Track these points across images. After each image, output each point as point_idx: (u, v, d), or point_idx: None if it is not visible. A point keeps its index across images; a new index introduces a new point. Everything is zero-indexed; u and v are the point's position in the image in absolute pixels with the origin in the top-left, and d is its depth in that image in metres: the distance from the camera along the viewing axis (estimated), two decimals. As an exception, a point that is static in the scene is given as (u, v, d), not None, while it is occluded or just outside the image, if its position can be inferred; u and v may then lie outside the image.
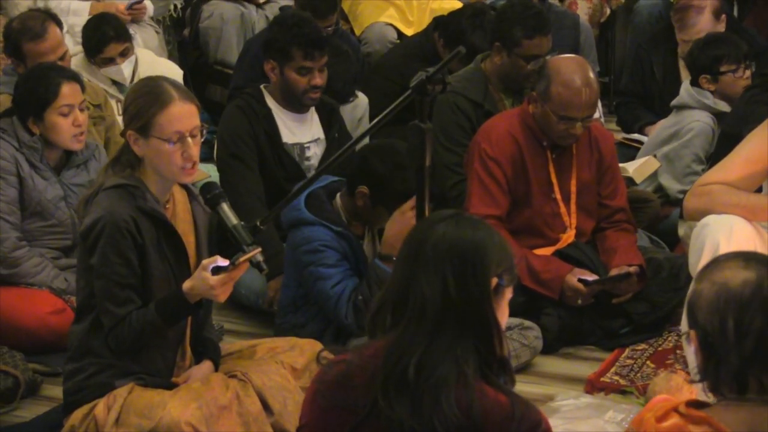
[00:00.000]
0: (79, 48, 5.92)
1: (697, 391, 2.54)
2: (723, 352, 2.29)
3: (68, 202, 4.73)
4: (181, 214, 3.69)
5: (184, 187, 3.74)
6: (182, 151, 3.52)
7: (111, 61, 5.78)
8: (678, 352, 4.58)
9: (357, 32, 7.26)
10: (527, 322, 4.57)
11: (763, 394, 2.29)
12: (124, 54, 5.80)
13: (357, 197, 4.43)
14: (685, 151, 5.64)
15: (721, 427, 2.26)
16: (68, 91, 4.67)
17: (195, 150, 3.56)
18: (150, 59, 6.10)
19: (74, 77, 4.78)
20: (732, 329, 2.29)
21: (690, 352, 2.39)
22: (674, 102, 5.81)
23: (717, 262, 2.40)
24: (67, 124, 4.66)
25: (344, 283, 4.39)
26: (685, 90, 5.77)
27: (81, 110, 4.71)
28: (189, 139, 3.53)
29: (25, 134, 4.66)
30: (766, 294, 2.29)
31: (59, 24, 5.36)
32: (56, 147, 4.72)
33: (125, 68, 5.78)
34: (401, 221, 4.31)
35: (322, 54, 5.06)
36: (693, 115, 5.69)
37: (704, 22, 6.17)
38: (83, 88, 4.81)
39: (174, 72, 6.06)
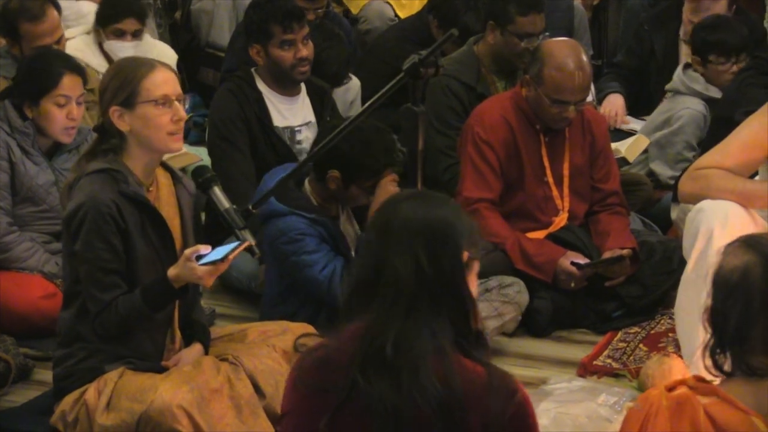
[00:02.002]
0: (73, 32, 5.89)
1: (689, 375, 2.57)
2: (729, 331, 2.36)
3: (59, 187, 4.70)
4: (166, 197, 3.68)
5: (168, 170, 3.73)
6: (171, 114, 3.52)
7: (122, 35, 5.76)
8: (671, 335, 4.58)
9: (354, 11, 7.24)
10: (508, 279, 4.55)
11: (750, 375, 2.36)
12: (136, 35, 5.79)
13: (329, 181, 4.37)
14: (676, 139, 5.65)
15: (729, 397, 2.32)
16: (69, 83, 4.64)
17: (182, 112, 3.56)
18: (149, 42, 6.06)
19: (77, 69, 4.75)
20: (722, 310, 2.37)
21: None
22: (668, 86, 5.81)
23: (750, 239, 2.45)
24: (62, 115, 4.63)
25: (331, 265, 4.37)
26: (678, 75, 5.77)
27: (78, 104, 4.68)
28: (176, 103, 3.54)
29: (17, 119, 4.65)
30: (753, 278, 2.36)
31: (58, 7, 5.35)
32: (47, 138, 4.70)
33: (131, 49, 5.71)
34: (384, 192, 4.33)
35: (302, 25, 5.04)
36: (684, 102, 5.69)
37: (718, 8, 6.15)
38: (85, 82, 4.78)
39: (168, 56, 6.04)
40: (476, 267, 2.54)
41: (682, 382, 2.38)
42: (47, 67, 4.65)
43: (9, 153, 4.62)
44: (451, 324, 2.44)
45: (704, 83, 5.69)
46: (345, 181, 4.37)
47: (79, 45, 5.79)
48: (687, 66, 5.76)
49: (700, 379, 2.39)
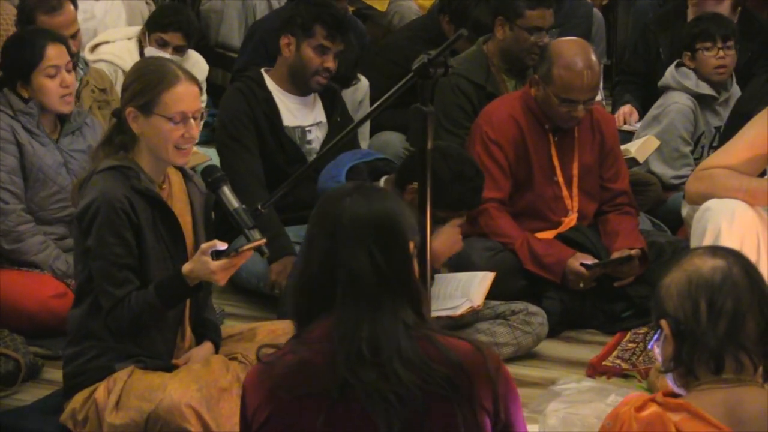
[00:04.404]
0: (113, 35, 5.93)
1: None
2: (698, 333, 2.36)
3: (69, 168, 4.73)
4: (177, 195, 3.69)
5: (179, 168, 3.74)
6: (184, 131, 3.54)
7: (164, 45, 5.79)
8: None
9: (381, 8, 7.27)
10: (533, 307, 4.54)
11: (740, 373, 2.36)
12: (179, 50, 5.82)
13: (407, 192, 4.18)
14: (668, 136, 5.65)
15: (699, 412, 2.30)
16: (54, 53, 4.67)
17: (195, 132, 3.58)
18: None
19: (59, 39, 4.79)
20: (705, 312, 2.36)
21: (657, 345, 2.43)
22: (660, 83, 5.83)
23: (684, 254, 2.49)
24: (54, 85, 4.66)
25: None
26: (669, 71, 5.79)
27: (68, 71, 4.71)
28: (191, 121, 3.54)
29: (19, 102, 4.67)
30: (735, 279, 2.37)
31: (74, 2, 5.41)
32: (48, 112, 4.72)
33: None
34: (450, 234, 4.25)
35: (342, 39, 5.06)
36: (673, 97, 5.71)
37: (721, 10, 6.12)
38: (69, 50, 4.80)
39: (201, 66, 6.10)
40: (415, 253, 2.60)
41: (650, 400, 2.36)
42: (29, 43, 4.69)
43: (15, 136, 4.63)
44: (413, 312, 2.49)
45: (695, 79, 5.70)
46: None
47: (118, 51, 5.82)
48: (680, 64, 5.78)
49: (668, 394, 2.38)
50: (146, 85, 3.54)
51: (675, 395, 2.39)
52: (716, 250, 2.45)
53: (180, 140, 3.54)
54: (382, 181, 4.44)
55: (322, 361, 2.44)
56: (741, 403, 2.33)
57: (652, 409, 2.34)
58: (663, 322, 2.40)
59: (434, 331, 2.50)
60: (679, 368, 2.40)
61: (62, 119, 4.78)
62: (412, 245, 2.52)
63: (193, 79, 3.61)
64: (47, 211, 4.72)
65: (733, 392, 2.34)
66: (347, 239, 2.47)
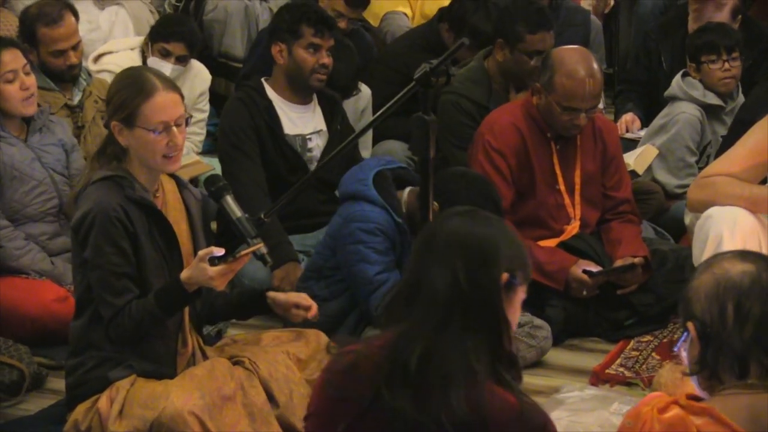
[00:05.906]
0: (116, 46, 5.96)
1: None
2: (724, 337, 2.35)
3: (43, 162, 4.75)
4: (172, 203, 3.71)
5: (172, 176, 3.76)
6: (168, 140, 3.56)
7: (167, 55, 5.80)
8: (683, 343, 4.57)
9: (374, 23, 7.29)
10: (537, 321, 4.54)
11: (765, 379, 2.35)
12: (181, 60, 5.84)
13: None
14: (675, 145, 5.65)
15: (722, 417, 2.30)
16: (8, 58, 4.70)
17: (180, 139, 3.59)
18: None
19: (12, 43, 4.83)
20: (731, 315, 2.35)
21: (683, 348, 2.43)
22: (666, 93, 5.82)
23: (715, 257, 2.47)
24: (15, 89, 4.70)
25: (388, 275, 4.35)
26: (675, 81, 5.78)
27: (26, 74, 4.74)
28: (174, 129, 3.56)
29: None
30: (764, 284, 2.36)
31: (75, 14, 5.42)
32: (13, 117, 4.74)
33: (169, 71, 5.66)
34: None
35: (331, 34, 5.10)
36: (680, 107, 5.70)
37: (721, 17, 6.12)
38: (24, 53, 4.82)
39: (203, 76, 6.09)
40: (520, 293, 2.51)
41: (674, 402, 2.35)
42: None
43: None
44: (486, 344, 2.41)
45: (702, 90, 5.69)
46: None
47: (121, 61, 5.83)
48: (686, 74, 5.78)
49: (693, 397, 2.37)
50: (125, 98, 3.56)
51: (698, 398, 2.38)
52: (746, 255, 2.43)
53: (166, 149, 3.57)
54: (405, 192, 4.46)
55: (370, 369, 2.44)
56: (766, 409, 2.32)
57: (675, 411, 2.33)
58: (690, 325, 2.39)
59: (494, 375, 2.41)
60: (703, 371, 2.39)
61: (27, 120, 4.81)
62: (505, 276, 2.44)
63: (171, 86, 3.63)
64: (31, 207, 4.73)
65: (758, 398, 2.33)
66: (437, 255, 2.45)
